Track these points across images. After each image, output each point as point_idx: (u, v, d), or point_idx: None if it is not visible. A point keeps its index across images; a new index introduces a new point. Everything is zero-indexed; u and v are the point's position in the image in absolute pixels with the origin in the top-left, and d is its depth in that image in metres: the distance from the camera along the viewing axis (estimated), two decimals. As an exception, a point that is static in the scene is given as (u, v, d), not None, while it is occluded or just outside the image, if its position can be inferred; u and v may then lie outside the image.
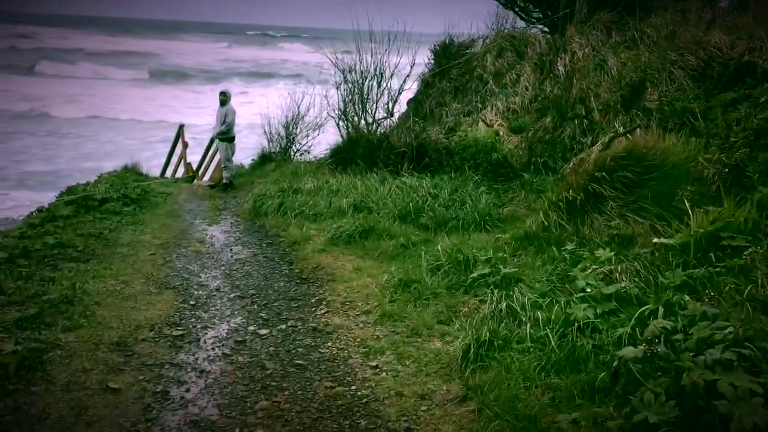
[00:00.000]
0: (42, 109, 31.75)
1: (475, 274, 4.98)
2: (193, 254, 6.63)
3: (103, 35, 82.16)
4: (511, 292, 4.53)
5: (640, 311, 3.60)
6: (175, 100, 37.20)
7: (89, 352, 4.02)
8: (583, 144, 8.45)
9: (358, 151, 10.15)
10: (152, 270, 5.94)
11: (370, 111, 11.81)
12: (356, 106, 11.78)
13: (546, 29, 14.55)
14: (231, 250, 6.89)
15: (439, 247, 5.69)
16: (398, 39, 11.56)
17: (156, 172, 14.52)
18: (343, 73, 11.89)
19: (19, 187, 20.62)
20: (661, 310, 3.46)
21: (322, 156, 12.24)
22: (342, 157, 10.20)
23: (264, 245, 7.10)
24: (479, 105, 11.24)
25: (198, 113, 29.09)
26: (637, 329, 3.45)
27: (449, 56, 13.49)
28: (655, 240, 4.63)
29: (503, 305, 4.32)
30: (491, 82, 11.80)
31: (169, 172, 14.29)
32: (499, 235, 6.34)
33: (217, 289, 5.51)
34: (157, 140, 25.00)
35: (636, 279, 4.29)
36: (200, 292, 5.40)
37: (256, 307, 5.08)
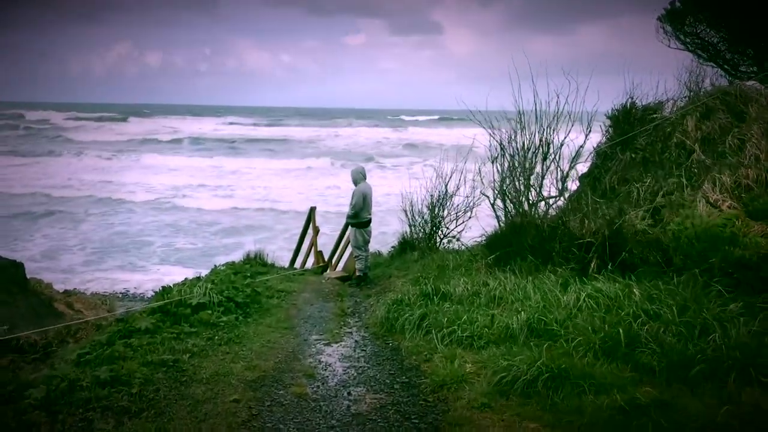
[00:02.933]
0: (177, 199, 32.47)
1: None
2: (294, 402, 4.48)
3: (254, 123, 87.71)
4: None
5: None
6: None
7: None
8: None
9: (525, 241, 7.74)
10: (225, 435, 3.87)
11: (535, 188, 9.44)
12: (518, 182, 9.46)
13: (759, 84, 11.53)
14: (349, 394, 4.67)
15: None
16: (568, 104, 9.23)
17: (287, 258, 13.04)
18: (500, 145, 9.72)
19: (165, 262, 20.75)
20: None
21: (474, 243, 10.00)
22: (504, 250, 7.83)
23: (397, 387, 4.81)
24: (683, 180, 8.47)
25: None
26: None
27: (632, 122, 10.84)
28: None
29: None
30: (698, 150, 9.00)
31: (298, 262, 12.64)
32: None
33: (314, 488, 3.30)
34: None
35: None
36: (285, 494, 3.22)
37: None
